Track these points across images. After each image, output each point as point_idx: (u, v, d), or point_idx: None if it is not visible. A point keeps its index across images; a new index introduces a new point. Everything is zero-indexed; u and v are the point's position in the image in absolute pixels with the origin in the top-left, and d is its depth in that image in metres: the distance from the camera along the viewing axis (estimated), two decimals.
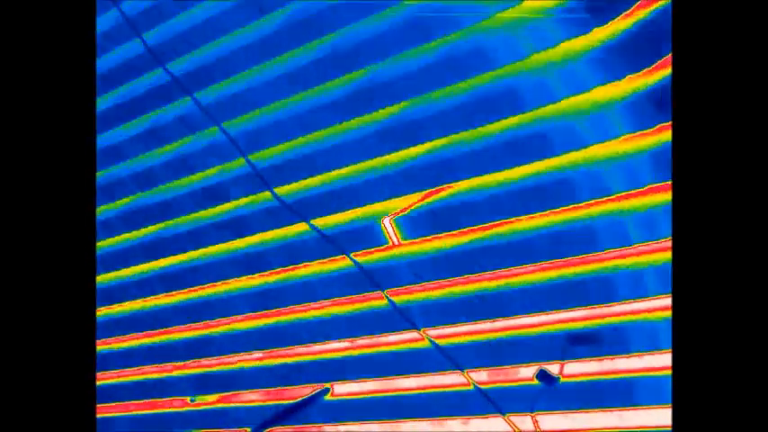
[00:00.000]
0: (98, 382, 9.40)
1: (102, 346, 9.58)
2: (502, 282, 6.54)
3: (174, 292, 9.08)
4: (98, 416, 9.32)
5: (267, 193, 7.78)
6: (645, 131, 5.65)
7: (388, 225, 6.99)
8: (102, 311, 9.52)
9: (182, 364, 9.07)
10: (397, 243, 7.02)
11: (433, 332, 6.97)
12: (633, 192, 5.81)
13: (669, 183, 5.60)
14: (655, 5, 5.46)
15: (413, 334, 7.07)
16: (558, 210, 6.16)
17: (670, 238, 5.65)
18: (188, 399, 9.00)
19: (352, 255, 7.34)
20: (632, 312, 6.00)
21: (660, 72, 5.52)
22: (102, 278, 9.49)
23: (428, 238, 6.87)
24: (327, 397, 7.73)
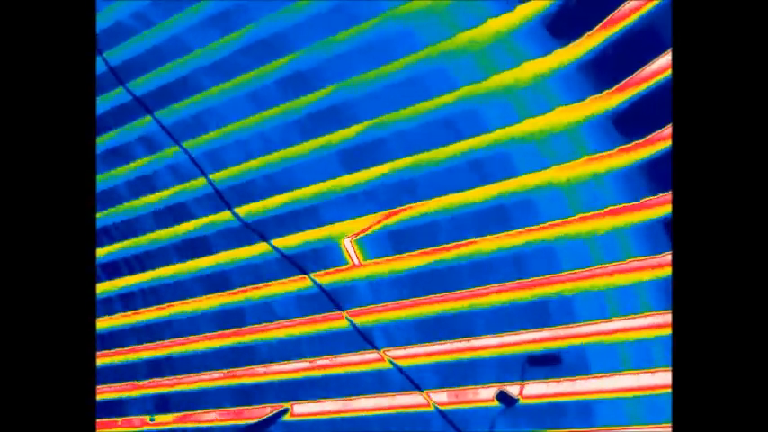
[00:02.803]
0: None
1: None
2: (463, 303, 6.54)
3: (133, 312, 9.04)
4: None
5: (228, 213, 7.77)
6: (607, 153, 5.67)
7: (349, 245, 6.98)
8: None
9: (141, 383, 9.02)
10: (357, 263, 7.01)
11: (393, 353, 6.96)
12: (595, 212, 5.82)
13: (633, 204, 5.63)
14: (618, 26, 5.49)
15: (373, 354, 7.06)
16: (520, 230, 6.17)
17: (633, 258, 5.68)
18: (147, 418, 8.95)
19: (312, 275, 7.32)
20: (594, 333, 6.01)
21: (622, 93, 5.55)
22: None
23: (389, 258, 6.87)
24: (286, 417, 7.70)
